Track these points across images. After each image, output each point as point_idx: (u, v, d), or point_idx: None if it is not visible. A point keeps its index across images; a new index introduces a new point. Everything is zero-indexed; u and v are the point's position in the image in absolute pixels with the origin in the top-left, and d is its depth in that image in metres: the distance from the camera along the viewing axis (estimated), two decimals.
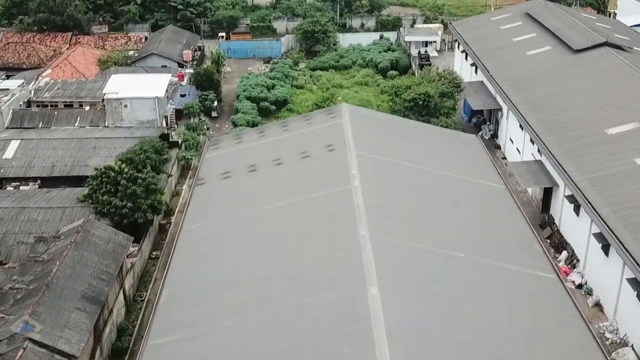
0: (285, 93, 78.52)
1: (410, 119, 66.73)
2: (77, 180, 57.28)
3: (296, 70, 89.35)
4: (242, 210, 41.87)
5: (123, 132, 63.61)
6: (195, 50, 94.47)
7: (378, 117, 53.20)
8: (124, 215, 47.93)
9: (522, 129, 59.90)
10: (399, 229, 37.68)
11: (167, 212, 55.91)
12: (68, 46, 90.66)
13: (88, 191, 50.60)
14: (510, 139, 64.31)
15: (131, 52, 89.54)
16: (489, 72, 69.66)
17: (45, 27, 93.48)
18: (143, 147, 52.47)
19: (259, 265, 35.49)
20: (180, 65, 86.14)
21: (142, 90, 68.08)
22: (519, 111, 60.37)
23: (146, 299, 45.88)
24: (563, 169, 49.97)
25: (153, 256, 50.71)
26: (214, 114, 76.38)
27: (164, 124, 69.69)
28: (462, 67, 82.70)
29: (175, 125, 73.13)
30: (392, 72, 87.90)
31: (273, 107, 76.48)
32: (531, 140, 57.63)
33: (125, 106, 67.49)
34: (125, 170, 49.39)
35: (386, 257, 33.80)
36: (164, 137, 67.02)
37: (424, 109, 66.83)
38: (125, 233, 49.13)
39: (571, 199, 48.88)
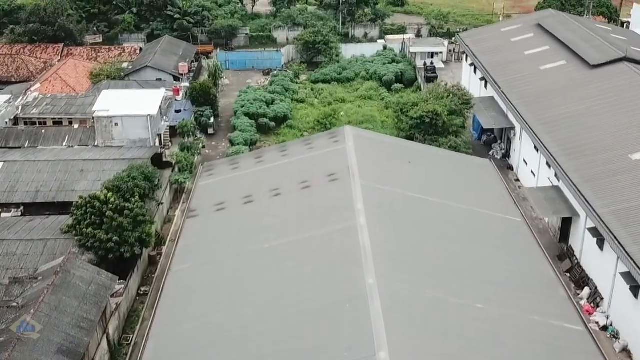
0: (285, 108, 74.84)
1: (417, 138, 63.11)
2: (62, 207, 53.68)
3: (297, 83, 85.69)
4: (236, 249, 38.20)
5: (113, 153, 59.96)
6: (192, 62, 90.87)
7: (384, 141, 49.52)
8: (109, 250, 44.26)
9: (537, 150, 56.16)
10: (409, 274, 33.97)
11: (158, 241, 52.21)
12: (59, 58, 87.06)
13: (72, 222, 46.98)
14: (524, 160, 60.53)
15: (125, 64, 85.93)
16: (500, 88, 65.92)
17: (36, 38, 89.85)
18: (131, 174, 48.77)
19: (251, 319, 31.79)
20: (176, 79, 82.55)
21: (134, 108, 64.42)
22: (533, 131, 56.64)
23: (133, 342, 42.14)
24: (584, 199, 46.22)
25: (141, 292, 46.98)
26: (210, 131, 72.71)
27: (157, 143, 66.09)
28: (470, 81, 78.99)
29: (170, 144, 69.48)
30: (397, 86, 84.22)
31: (272, 123, 72.82)
32: (547, 163, 53.92)
33: (116, 125, 63.82)
34: (112, 200, 45.73)
35: (396, 312, 30.10)
36: (157, 157, 63.53)
37: (431, 128, 63.13)
38: (112, 267, 45.70)
39: (594, 232, 45.11)
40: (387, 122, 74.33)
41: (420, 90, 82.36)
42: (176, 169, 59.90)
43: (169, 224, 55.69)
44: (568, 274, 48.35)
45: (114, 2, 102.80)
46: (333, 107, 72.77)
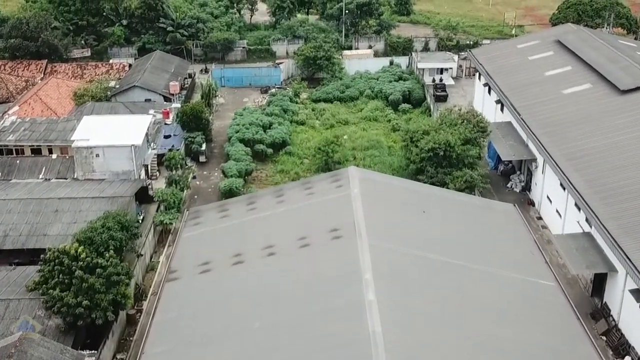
0: (284, 133, 68.91)
1: (429, 171, 57.18)
2: (33, 253, 48.03)
3: (297, 102, 79.67)
4: (222, 328, 32.29)
5: (92, 190, 54.17)
6: (185, 79, 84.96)
7: (393, 185, 43.52)
8: (78, 316, 38.39)
9: (564, 189, 50.22)
10: None
11: (139, 295, 46.40)
12: (42, 75, 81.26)
13: (39, 278, 41.22)
14: (548, 197, 54.56)
15: (112, 83, 79.99)
16: (519, 115, 59.96)
17: (17, 54, 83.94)
18: (106, 224, 42.88)
19: None
20: (167, 99, 76.63)
21: (117, 137, 58.51)
22: (559, 168, 50.71)
23: None
24: (624, 254, 40.30)
25: None
26: (202, 158, 66.84)
27: (143, 174, 60.28)
28: (484, 102, 73.04)
29: (158, 173, 63.66)
30: (405, 106, 78.28)
31: (270, 150, 66.93)
32: (576, 204, 48.00)
33: (97, 156, 57.96)
34: (82, 255, 39.88)
35: None
36: (143, 190, 57.81)
37: (444, 160, 57.16)
38: (83, 332, 40.08)
39: (637, 294, 39.18)
40: (395, 148, 68.41)
41: (430, 111, 76.43)
42: (162, 208, 54.05)
43: (151, 273, 49.85)
44: (604, 337, 42.40)
45: (104, 14, 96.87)
46: (335, 134, 66.73)
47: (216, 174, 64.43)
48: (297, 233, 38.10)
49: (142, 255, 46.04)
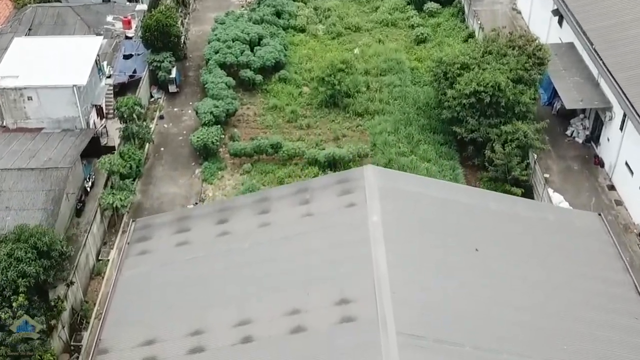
0: (277, 52, 53.59)
1: (468, 123, 43.07)
2: None
3: None
4: None
5: (21, 151, 40.90)
6: None
7: (429, 198, 29.46)
8: None
9: None
10: None
11: (78, 321, 34.27)
12: None
13: None
14: (628, 165, 40.72)
15: None
16: (591, 44, 44.59)
17: None
18: (13, 253, 29.66)
19: None
20: None
21: (55, 73, 44.03)
22: None
23: None
24: None
25: None
26: (172, 88, 52.32)
27: (94, 118, 46.34)
28: (531, 10, 56.84)
29: (114, 112, 49.56)
30: (432, 5, 62.07)
31: (259, 77, 52.18)
32: None
33: (30, 99, 43.92)
34: None
35: None
36: (95, 142, 44.36)
37: (489, 108, 42.86)
38: None
39: None
40: (419, 71, 53.54)
41: (464, 14, 60.40)
42: (110, 185, 40.58)
43: (98, 280, 37.39)
44: None
45: None
46: (344, 57, 51.37)
47: (190, 111, 50.20)
48: (287, 301, 25.06)
49: (73, 283, 33.14)
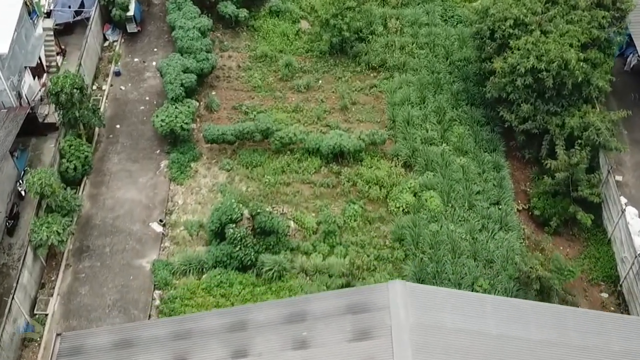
0: None
1: (521, 109, 32.08)
2: None
3: None
4: None
5: None
6: None
7: (479, 336, 19.59)
8: None
9: None
10: None
11: None
12: None
13: None
14: None
15: None
16: None
17: None
18: None
19: None
20: None
21: None
22: None
23: None
24: None
25: None
26: (131, 27, 40.29)
27: (26, 85, 35.35)
28: None
29: (60, 60, 38.28)
30: None
31: (243, 11, 40.00)
32: None
33: None
34: None
35: None
36: (31, 120, 34.03)
37: (550, 90, 31.64)
38: None
39: None
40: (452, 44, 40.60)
41: None
42: (46, 204, 30.44)
43: (32, 345, 28.58)
44: None
45: None
46: None
47: (154, 62, 38.63)
48: None
49: None
